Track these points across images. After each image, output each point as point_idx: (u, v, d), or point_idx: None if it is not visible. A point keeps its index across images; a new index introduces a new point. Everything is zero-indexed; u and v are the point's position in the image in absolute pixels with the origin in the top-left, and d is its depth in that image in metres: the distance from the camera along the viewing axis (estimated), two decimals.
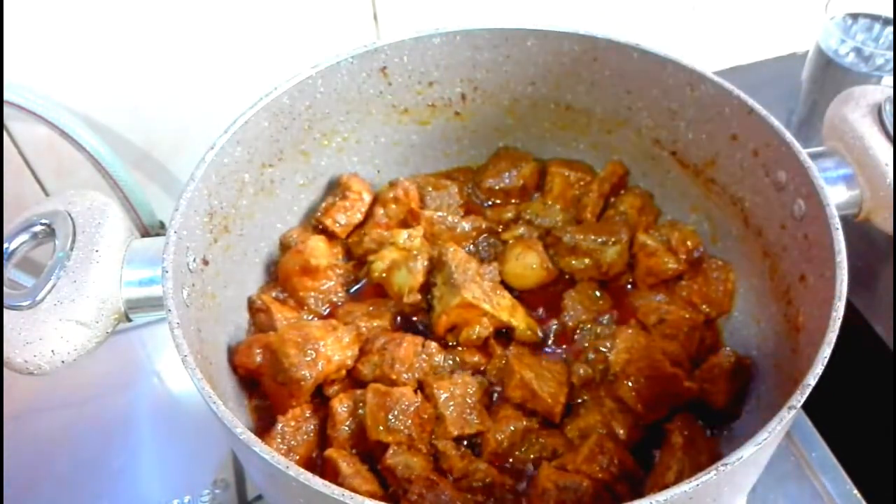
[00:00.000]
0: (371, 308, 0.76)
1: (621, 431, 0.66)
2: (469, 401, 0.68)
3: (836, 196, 0.65)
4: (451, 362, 0.71)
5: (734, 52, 1.22)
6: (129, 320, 0.62)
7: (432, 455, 0.66)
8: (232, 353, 0.71)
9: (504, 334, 0.74)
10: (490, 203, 0.86)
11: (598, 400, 0.69)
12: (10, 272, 0.60)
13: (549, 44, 0.78)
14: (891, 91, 0.70)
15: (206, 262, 0.66)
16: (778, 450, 0.77)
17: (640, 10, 1.08)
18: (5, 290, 0.58)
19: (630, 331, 0.72)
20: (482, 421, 0.67)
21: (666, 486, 0.47)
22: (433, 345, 0.71)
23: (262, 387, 0.70)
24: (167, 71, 0.90)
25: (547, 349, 0.75)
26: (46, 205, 0.64)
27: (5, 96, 0.80)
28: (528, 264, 0.77)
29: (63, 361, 0.58)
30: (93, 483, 0.81)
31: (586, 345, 0.74)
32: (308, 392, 0.68)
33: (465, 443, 0.68)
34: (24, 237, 0.62)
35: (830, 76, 0.97)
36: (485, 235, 0.83)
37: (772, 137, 0.67)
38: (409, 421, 0.65)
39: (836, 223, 0.60)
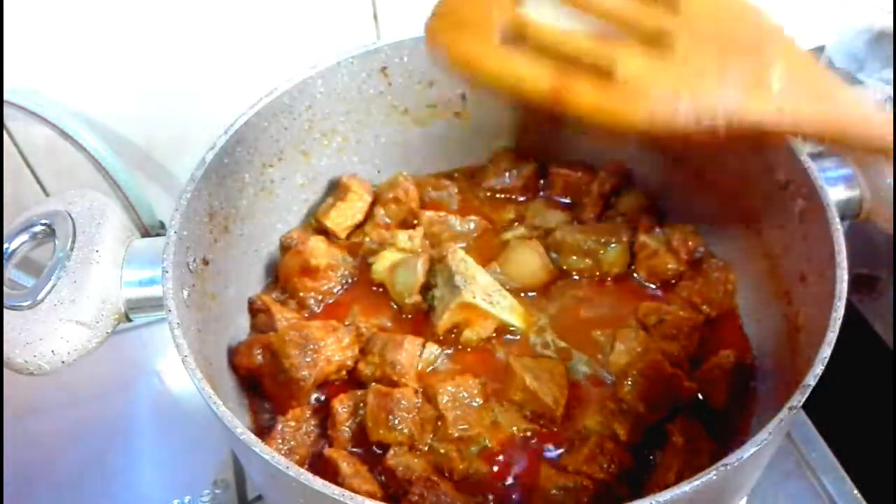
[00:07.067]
0: (371, 308, 0.76)
1: (621, 432, 0.66)
2: (469, 402, 0.68)
3: (836, 196, 0.65)
4: (451, 363, 0.71)
5: None
6: (130, 320, 0.62)
7: (433, 456, 0.66)
8: (232, 353, 0.71)
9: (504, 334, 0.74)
10: (490, 203, 0.86)
11: (598, 400, 0.69)
12: (10, 272, 0.60)
13: None
14: (891, 91, 0.70)
15: (206, 262, 0.66)
16: (778, 450, 0.77)
17: None
18: (5, 290, 0.58)
19: (630, 331, 0.72)
20: (482, 422, 0.67)
21: (666, 486, 0.47)
22: (433, 345, 0.71)
23: (263, 387, 0.70)
24: (167, 71, 0.89)
25: (547, 350, 0.75)
26: (46, 205, 0.64)
27: (5, 96, 0.80)
28: (528, 264, 0.77)
29: (63, 361, 0.58)
30: (93, 483, 0.81)
31: (586, 345, 0.73)
32: (308, 392, 0.68)
33: (466, 443, 0.68)
34: (24, 237, 0.62)
35: None
36: (485, 235, 0.83)
37: None
38: (410, 422, 0.65)
39: (837, 223, 0.60)
